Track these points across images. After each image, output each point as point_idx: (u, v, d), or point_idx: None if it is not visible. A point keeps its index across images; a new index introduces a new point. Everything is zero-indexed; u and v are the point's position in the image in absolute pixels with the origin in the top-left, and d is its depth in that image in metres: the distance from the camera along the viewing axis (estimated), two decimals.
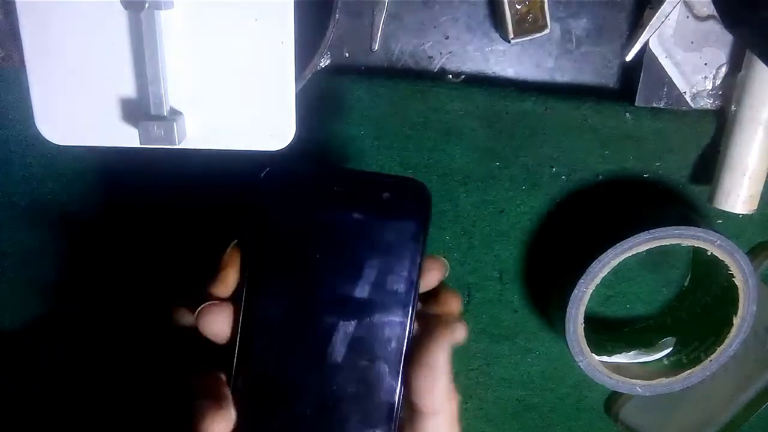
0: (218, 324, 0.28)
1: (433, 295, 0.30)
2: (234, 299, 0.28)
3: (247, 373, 0.28)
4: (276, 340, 0.28)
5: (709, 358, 0.46)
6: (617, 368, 0.47)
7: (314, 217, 0.28)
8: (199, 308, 0.28)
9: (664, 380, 0.47)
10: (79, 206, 0.46)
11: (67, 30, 0.32)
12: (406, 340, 0.28)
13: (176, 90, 0.33)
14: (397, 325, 0.28)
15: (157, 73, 0.32)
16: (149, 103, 0.32)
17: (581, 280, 0.44)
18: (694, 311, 0.50)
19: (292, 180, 0.28)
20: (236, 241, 0.28)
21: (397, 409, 0.29)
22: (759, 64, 0.42)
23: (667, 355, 0.49)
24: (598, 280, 0.44)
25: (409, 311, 0.28)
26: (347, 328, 0.28)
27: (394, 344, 0.28)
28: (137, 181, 0.45)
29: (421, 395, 0.28)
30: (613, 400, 0.53)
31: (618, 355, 0.49)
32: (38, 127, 0.33)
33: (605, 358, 0.48)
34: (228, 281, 0.28)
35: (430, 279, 0.29)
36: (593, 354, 0.46)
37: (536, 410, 0.54)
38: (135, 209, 0.46)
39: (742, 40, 0.43)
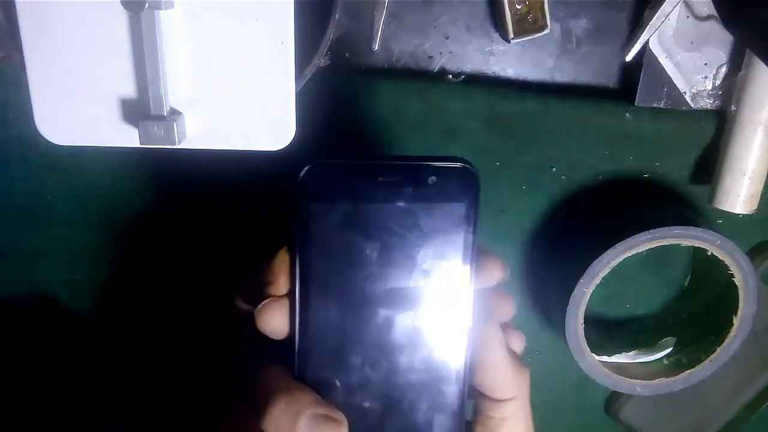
0: (276, 320, 0.27)
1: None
2: (289, 297, 0.28)
3: (310, 369, 0.28)
4: (334, 336, 0.28)
5: (709, 358, 0.46)
6: (617, 368, 0.47)
7: (359, 210, 0.27)
8: (258, 306, 0.28)
9: (664, 380, 0.47)
10: (80, 206, 0.46)
11: (67, 30, 0.32)
12: (468, 329, 0.28)
13: (176, 90, 0.33)
14: (456, 314, 0.28)
15: (157, 73, 0.32)
16: (149, 103, 0.32)
17: (581, 280, 0.44)
18: (694, 311, 0.50)
19: (333, 175, 0.27)
20: (286, 247, 0.28)
21: (463, 395, 0.28)
22: (759, 64, 0.42)
23: (667, 355, 0.49)
24: (598, 280, 0.44)
25: (468, 298, 0.28)
26: (405, 319, 0.28)
27: (455, 332, 0.28)
28: (137, 181, 0.45)
29: (491, 391, 0.29)
30: (613, 400, 0.53)
31: (618, 355, 0.49)
32: (38, 127, 0.33)
33: (605, 358, 0.48)
34: (280, 285, 0.28)
35: (492, 276, 0.29)
36: (593, 354, 0.46)
37: (536, 410, 0.54)
38: (135, 209, 0.46)
39: (742, 40, 0.43)
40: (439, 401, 0.28)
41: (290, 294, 0.28)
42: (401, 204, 0.27)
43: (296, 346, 0.28)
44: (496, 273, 0.29)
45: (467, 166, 0.28)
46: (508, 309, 0.29)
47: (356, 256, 0.27)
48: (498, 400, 0.29)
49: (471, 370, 0.28)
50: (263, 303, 0.28)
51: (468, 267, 0.28)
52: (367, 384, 0.28)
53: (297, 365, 0.28)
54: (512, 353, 0.29)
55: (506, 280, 0.29)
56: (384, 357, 0.28)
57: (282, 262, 0.28)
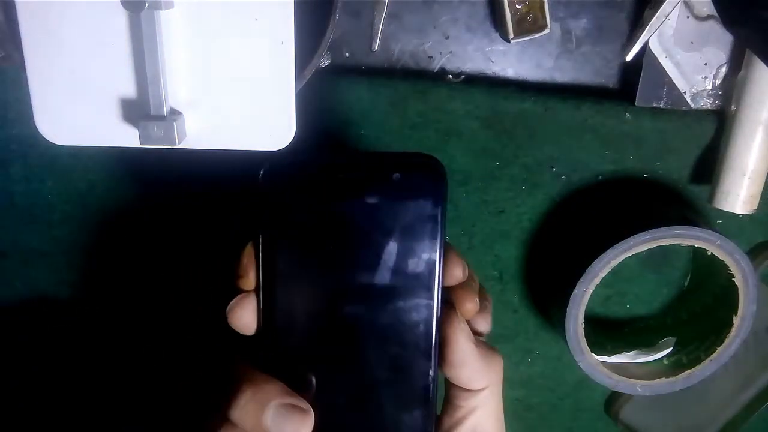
0: (246, 317, 0.28)
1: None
2: (255, 292, 0.28)
3: (277, 364, 0.28)
4: (300, 334, 0.28)
5: (709, 358, 0.46)
6: (617, 368, 0.47)
7: (322, 206, 0.27)
8: (230, 303, 0.28)
9: (664, 380, 0.47)
10: (80, 206, 0.46)
11: (66, 30, 0.32)
12: (435, 323, 0.28)
13: (176, 90, 0.33)
14: (423, 308, 0.27)
15: (157, 73, 0.32)
16: (149, 103, 0.32)
17: (581, 280, 0.44)
18: (694, 311, 0.50)
19: (293, 172, 0.27)
20: (252, 241, 0.28)
21: (434, 391, 0.28)
22: (759, 64, 0.42)
23: (667, 355, 0.49)
24: (598, 280, 0.44)
25: (434, 293, 0.27)
26: (372, 315, 0.27)
27: (422, 328, 0.28)
28: (137, 181, 0.45)
29: (461, 383, 0.29)
30: (613, 400, 0.53)
31: (618, 355, 0.49)
32: (38, 127, 0.33)
33: (605, 358, 0.48)
34: (250, 279, 0.28)
35: (455, 273, 0.29)
36: (593, 354, 0.46)
37: (536, 410, 0.54)
38: (135, 209, 0.46)
39: (742, 40, 0.43)
40: (407, 396, 0.28)
41: (256, 289, 0.28)
42: (366, 200, 0.27)
43: (263, 341, 0.28)
44: (457, 272, 0.28)
45: (433, 161, 0.27)
46: (471, 306, 0.29)
47: (320, 253, 0.27)
48: (469, 391, 0.29)
49: (438, 364, 0.28)
50: (235, 299, 0.28)
51: (435, 264, 0.27)
52: (335, 379, 0.28)
53: (264, 359, 0.28)
54: (481, 344, 0.29)
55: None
56: (351, 352, 0.28)
57: (249, 255, 0.28)
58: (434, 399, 0.29)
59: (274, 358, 0.28)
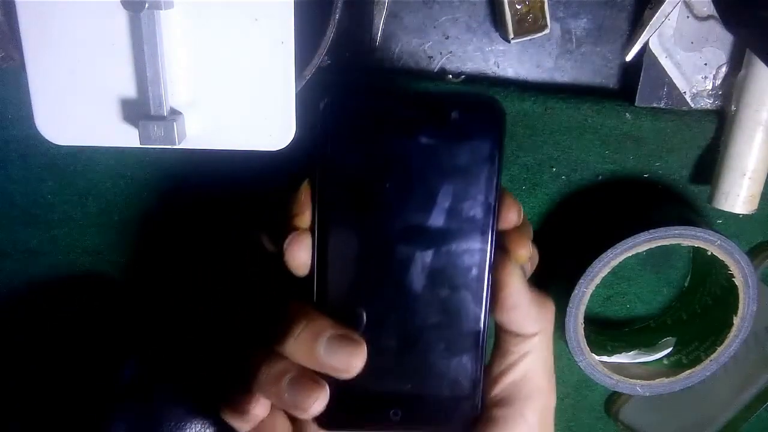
0: (301, 254, 0.28)
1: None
2: (311, 230, 0.28)
3: (329, 303, 0.28)
4: (352, 274, 0.27)
5: (709, 358, 0.46)
6: (617, 368, 0.47)
7: (380, 144, 0.26)
8: (286, 240, 0.27)
9: (664, 380, 0.47)
10: (80, 206, 0.46)
11: (67, 30, 0.32)
12: (488, 267, 0.27)
13: (176, 90, 0.33)
14: (477, 252, 0.27)
15: (157, 73, 0.32)
16: (149, 103, 0.32)
17: (581, 280, 0.44)
18: (694, 311, 0.50)
19: (352, 108, 0.27)
20: (308, 179, 0.28)
21: (484, 336, 0.28)
22: (759, 64, 0.42)
23: (667, 355, 0.49)
24: (598, 280, 0.44)
25: (489, 237, 0.27)
26: (425, 258, 0.27)
27: (475, 271, 0.27)
28: (137, 181, 0.45)
29: (514, 328, 0.29)
30: (613, 400, 0.53)
31: (618, 355, 0.49)
32: (38, 127, 0.33)
33: (605, 358, 0.48)
34: (305, 216, 0.28)
35: (511, 218, 0.28)
36: (593, 354, 0.46)
37: None
38: (135, 209, 0.46)
39: (742, 40, 0.43)
40: (457, 340, 0.28)
41: (311, 227, 0.28)
42: (423, 139, 0.26)
43: (316, 280, 0.28)
44: (513, 216, 0.28)
45: (492, 101, 0.27)
46: (524, 252, 0.29)
47: (376, 192, 0.27)
48: (521, 336, 0.29)
49: (490, 309, 0.28)
50: (290, 236, 0.27)
51: (490, 207, 0.27)
52: (385, 320, 0.28)
53: (316, 298, 0.28)
54: (534, 289, 0.29)
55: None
56: (403, 295, 0.27)
57: (306, 193, 0.28)
58: (484, 344, 0.28)
59: (326, 297, 0.28)
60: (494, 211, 0.27)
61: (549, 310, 0.30)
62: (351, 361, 0.26)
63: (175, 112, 0.33)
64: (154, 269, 0.48)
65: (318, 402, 0.26)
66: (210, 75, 0.33)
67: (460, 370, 0.28)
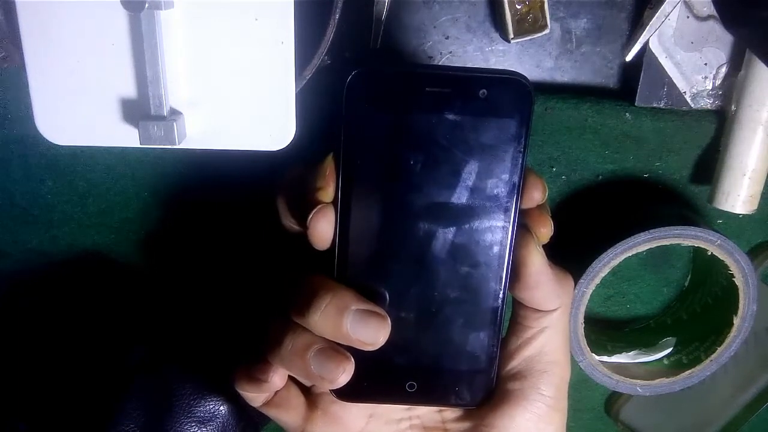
0: (325, 228, 0.28)
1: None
2: (334, 204, 0.28)
3: (350, 276, 0.28)
4: (374, 248, 0.28)
5: (709, 358, 0.46)
6: (617, 368, 0.47)
7: (406, 119, 0.26)
8: (310, 214, 0.27)
9: (664, 380, 0.47)
10: (80, 206, 0.46)
11: (67, 30, 0.32)
12: (509, 246, 0.27)
13: (176, 90, 0.33)
14: (499, 230, 0.27)
15: (157, 73, 0.32)
16: (149, 103, 0.32)
17: (581, 280, 0.44)
18: (694, 311, 0.50)
19: (381, 81, 0.26)
20: (333, 153, 0.28)
21: (501, 312, 0.28)
22: (759, 64, 0.42)
23: (667, 355, 0.49)
24: (598, 280, 0.44)
25: (511, 215, 0.27)
26: (447, 234, 0.27)
27: (496, 249, 0.27)
28: (137, 181, 0.45)
29: (535, 304, 0.29)
30: (613, 400, 0.53)
31: (618, 355, 0.49)
32: (38, 127, 0.33)
33: (605, 358, 0.48)
34: (329, 190, 0.28)
35: (535, 196, 0.28)
36: (593, 354, 0.46)
37: None
38: (135, 209, 0.46)
39: (742, 40, 0.43)
40: (476, 315, 0.28)
41: (334, 201, 0.28)
42: (450, 116, 0.26)
43: (337, 253, 0.28)
44: (537, 195, 0.28)
45: (520, 79, 0.27)
46: (546, 231, 0.29)
47: (401, 167, 0.27)
48: (540, 311, 0.29)
49: (509, 286, 0.28)
50: (315, 210, 0.27)
51: (514, 186, 0.27)
52: (405, 295, 0.28)
53: (338, 271, 0.28)
54: (554, 265, 0.29)
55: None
56: (424, 270, 0.28)
57: (330, 167, 0.28)
58: (501, 320, 0.29)
59: (347, 271, 0.28)
60: (518, 190, 0.27)
61: (568, 284, 0.30)
62: (376, 335, 0.27)
63: (175, 112, 0.33)
64: (154, 269, 0.48)
65: (345, 374, 0.27)
66: (210, 75, 0.33)
67: (477, 345, 0.29)
